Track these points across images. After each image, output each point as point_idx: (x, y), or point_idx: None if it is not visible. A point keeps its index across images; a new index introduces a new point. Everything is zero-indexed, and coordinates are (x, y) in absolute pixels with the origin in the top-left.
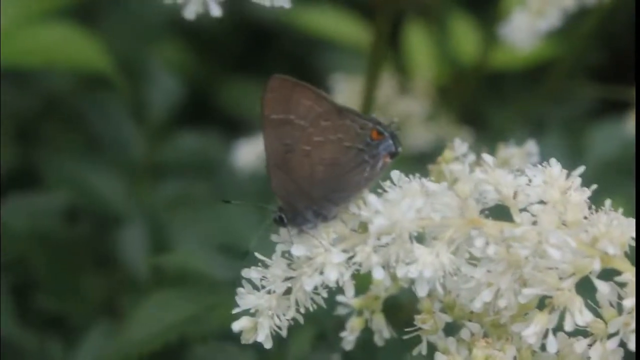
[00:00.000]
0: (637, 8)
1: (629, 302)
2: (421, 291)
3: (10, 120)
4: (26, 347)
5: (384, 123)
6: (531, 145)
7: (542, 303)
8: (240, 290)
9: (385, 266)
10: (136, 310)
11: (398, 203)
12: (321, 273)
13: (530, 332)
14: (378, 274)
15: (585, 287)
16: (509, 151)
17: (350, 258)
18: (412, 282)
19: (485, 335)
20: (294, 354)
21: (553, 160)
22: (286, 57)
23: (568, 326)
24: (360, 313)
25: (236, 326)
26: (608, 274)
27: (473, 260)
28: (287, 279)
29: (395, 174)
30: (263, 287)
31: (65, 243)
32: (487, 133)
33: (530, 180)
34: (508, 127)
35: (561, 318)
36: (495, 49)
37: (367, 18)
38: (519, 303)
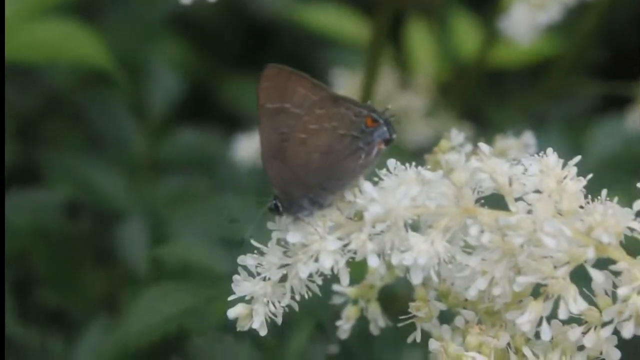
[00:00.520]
0: None
1: (624, 291)
2: (415, 279)
3: (12, 117)
4: (27, 342)
5: (379, 111)
6: (528, 137)
7: (537, 291)
8: (236, 277)
9: (381, 254)
10: (135, 302)
11: (393, 191)
12: (316, 260)
13: (525, 319)
14: (373, 262)
15: (579, 276)
16: (506, 142)
17: (346, 245)
18: (407, 270)
19: (480, 323)
20: (292, 346)
21: (549, 150)
22: (286, 54)
23: (562, 314)
24: (355, 302)
25: (232, 313)
26: (603, 264)
27: (468, 249)
28: (283, 266)
29: (391, 162)
30: (258, 274)
31: (65, 239)
32: (487, 130)
33: (526, 169)
34: (509, 124)
35: (555, 306)
36: (496, 46)
37: (368, 15)
38: (514, 291)
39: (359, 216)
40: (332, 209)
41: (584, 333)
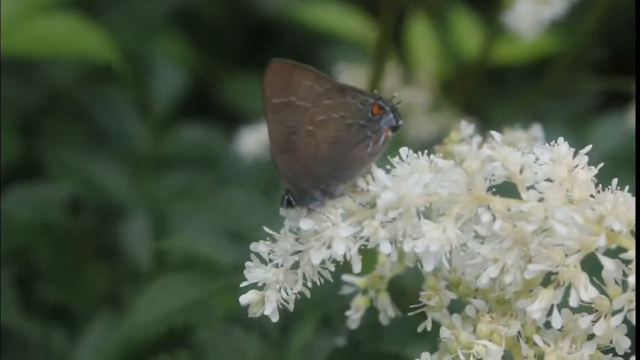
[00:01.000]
0: (637, 3)
1: (634, 279)
2: (427, 266)
3: (14, 113)
4: (29, 337)
5: (385, 98)
6: (537, 130)
7: (548, 280)
8: (248, 263)
9: (393, 241)
10: (140, 295)
11: (406, 178)
12: (329, 247)
13: (535, 307)
14: (385, 248)
15: (590, 265)
16: (515, 135)
17: (358, 232)
18: (417, 260)
19: (490, 312)
20: (297, 338)
21: (560, 139)
22: (288, 52)
23: (573, 302)
24: (365, 292)
25: (243, 299)
26: (614, 253)
27: (479, 238)
28: (295, 252)
29: (404, 150)
30: (271, 260)
31: (68, 235)
32: (489, 127)
33: (537, 158)
34: (510, 121)
35: (566, 295)
36: (497, 44)
37: (369, 12)
38: (525, 279)
39: (371, 204)
40: (343, 197)
41: (594, 321)
